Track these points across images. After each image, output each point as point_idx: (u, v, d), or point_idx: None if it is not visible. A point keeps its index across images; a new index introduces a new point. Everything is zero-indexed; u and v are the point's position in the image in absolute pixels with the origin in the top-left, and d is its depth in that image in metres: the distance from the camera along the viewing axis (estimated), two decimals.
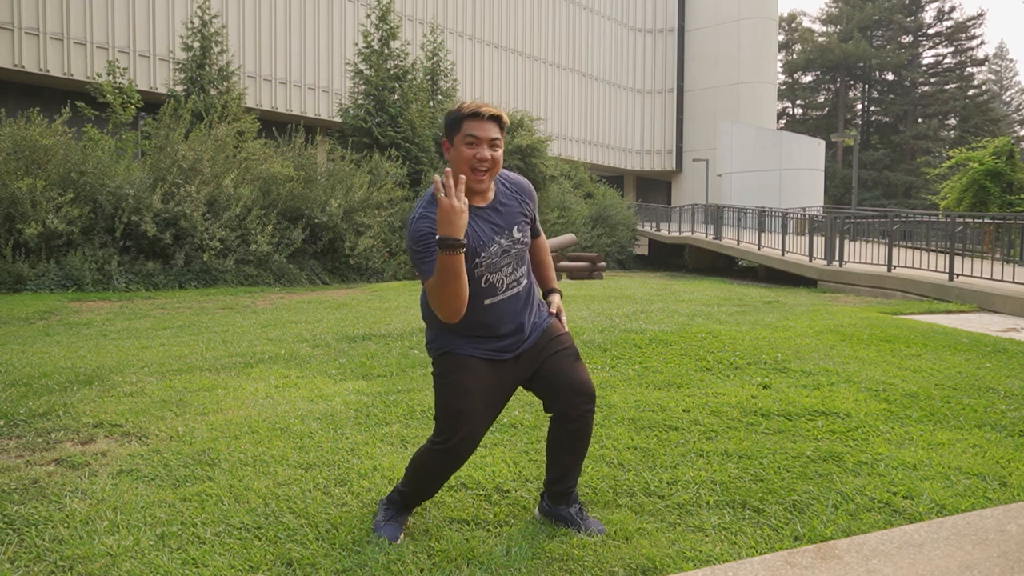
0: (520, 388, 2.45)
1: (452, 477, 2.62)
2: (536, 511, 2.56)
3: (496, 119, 2.20)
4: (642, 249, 30.23)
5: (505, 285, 2.30)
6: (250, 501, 2.67)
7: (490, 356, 2.31)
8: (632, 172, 38.26)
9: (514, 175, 2.41)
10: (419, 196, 2.35)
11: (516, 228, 2.30)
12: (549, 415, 2.42)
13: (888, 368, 4.83)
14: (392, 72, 18.84)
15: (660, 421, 3.63)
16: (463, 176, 2.03)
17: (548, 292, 2.58)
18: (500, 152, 2.21)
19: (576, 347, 2.44)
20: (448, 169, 2.06)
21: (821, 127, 52.96)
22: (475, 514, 2.57)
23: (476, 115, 2.18)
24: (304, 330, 6.92)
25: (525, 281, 2.38)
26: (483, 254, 2.22)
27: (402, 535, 2.41)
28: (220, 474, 2.94)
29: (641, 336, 5.73)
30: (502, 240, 2.26)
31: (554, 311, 2.52)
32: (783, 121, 56.13)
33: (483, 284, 2.25)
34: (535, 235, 2.51)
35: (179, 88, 16.27)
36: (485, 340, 2.31)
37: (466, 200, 2.01)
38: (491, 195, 2.29)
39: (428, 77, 20.19)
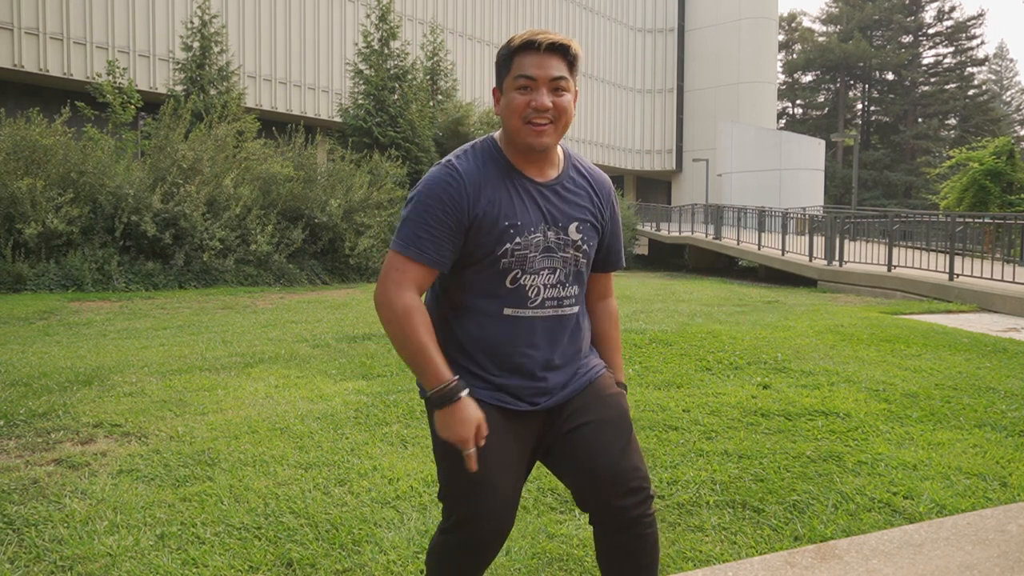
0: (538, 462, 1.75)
1: None
2: None
3: (561, 50, 1.56)
4: (642, 249, 30.21)
5: (541, 298, 1.62)
6: (250, 501, 2.67)
7: (501, 404, 1.63)
8: (632, 172, 38.26)
9: (594, 167, 1.77)
10: (395, 249, 1.81)
11: (576, 227, 1.65)
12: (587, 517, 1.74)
13: (888, 368, 4.83)
14: (392, 72, 18.84)
15: (660, 421, 3.63)
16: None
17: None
18: (568, 97, 1.57)
19: (629, 416, 1.71)
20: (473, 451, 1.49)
21: (821, 127, 52.95)
22: None
23: (530, 45, 1.55)
24: (304, 330, 6.92)
25: (576, 309, 1.69)
26: (518, 239, 1.59)
27: None
28: (220, 474, 2.94)
29: (641, 336, 5.73)
30: (549, 233, 1.62)
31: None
32: (783, 121, 56.12)
33: (509, 284, 1.61)
34: (607, 266, 1.79)
35: (179, 88, 16.27)
36: (489, 373, 1.63)
37: (483, 441, 1.51)
38: (553, 171, 1.66)
39: (428, 77, 20.19)
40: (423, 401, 1.67)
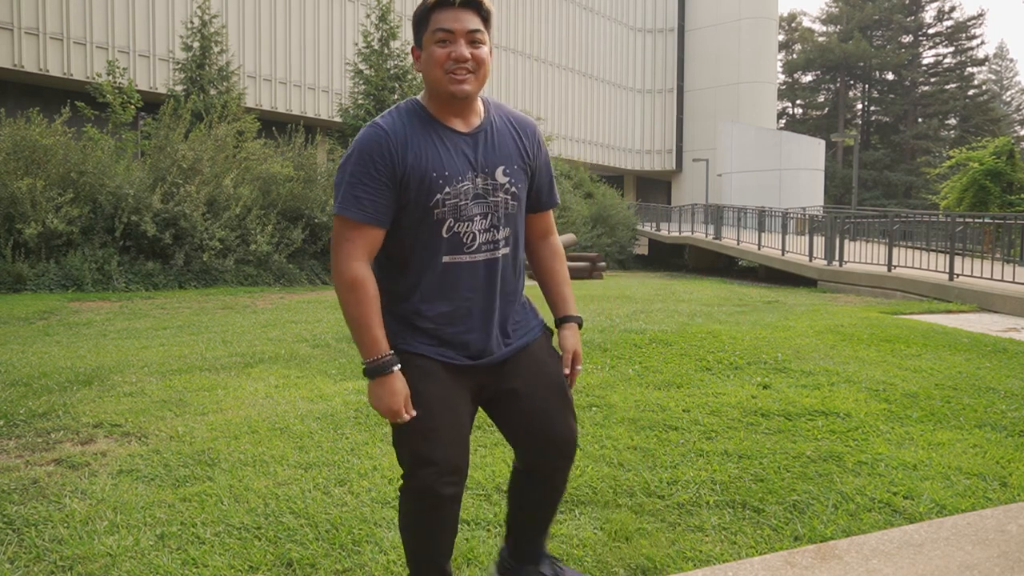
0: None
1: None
2: (493, 568, 2.06)
3: (474, 5, 1.64)
4: (642, 249, 30.21)
5: (476, 243, 1.70)
6: (250, 501, 2.67)
7: (444, 358, 1.72)
8: (632, 172, 38.26)
9: (517, 111, 1.84)
10: (338, 212, 1.82)
11: (503, 170, 1.72)
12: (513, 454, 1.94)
13: (888, 368, 4.83)
14: (392, 72, 18.84)
15: (660, 421, 3.63)
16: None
17: (562, 320, 1.90)
18: (485, 49, 1.65)
19: (562, 375, 1.85)
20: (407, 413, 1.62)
21: (821, 127, 52.95)
22: (475, 514, 2.57)
23: (446, 3, 1.63)
24: (304, 330, 6.92)
25: (508, 251, 1.75)
26: (447, 189, 1.65)
27: None
28: (220, 474, 2.94)
29: (641, 336, 5.73)
30: (477, 180, 1.68)
31: (568, 357, 1.85)
32: (783, 121, 56.13)
33: (444, 233, 1.67)
34: (542, 205, 1.86)
35: (179, 88, 16.27)
36: (434, 325, 1.71)
37: (412, 413, 1.63)
38: (476, 119, 1.72)
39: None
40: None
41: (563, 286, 1.91)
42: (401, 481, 1.74)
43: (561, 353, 1.88)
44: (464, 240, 1.69)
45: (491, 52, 1.69)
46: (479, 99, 1.75)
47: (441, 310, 1.70)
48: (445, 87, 1.64)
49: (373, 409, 1.65)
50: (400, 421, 1.62)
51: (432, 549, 1.76)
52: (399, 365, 1.63)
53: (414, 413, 1.64)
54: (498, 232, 1.73)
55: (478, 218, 1.70)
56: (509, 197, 1.74)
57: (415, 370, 1.69)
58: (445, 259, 1.69)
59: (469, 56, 1.63)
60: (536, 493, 1.90)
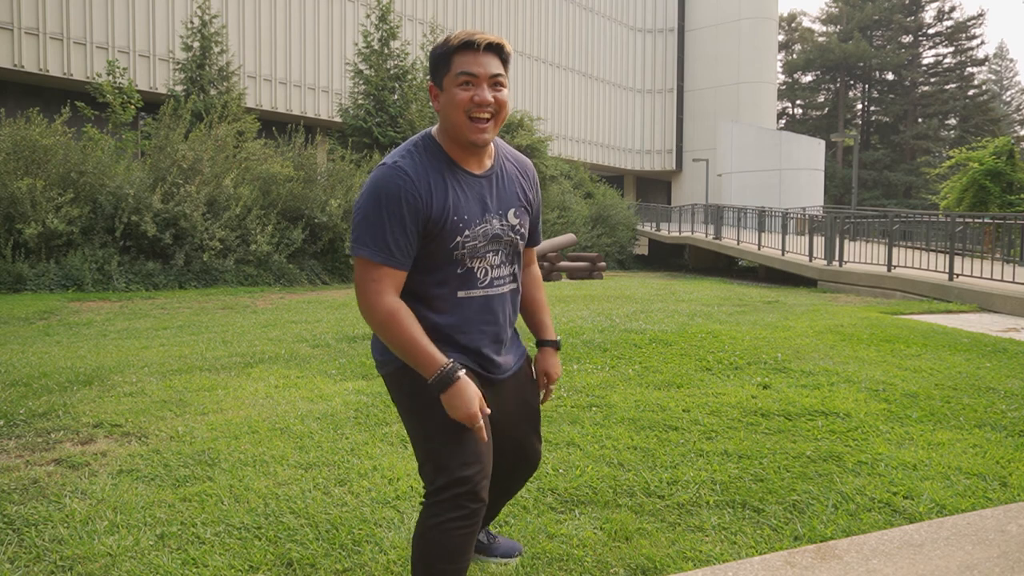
0: None
1: None
2: None
3: (496, 49, 1.67)
4: (642, 249, 30.22)
5: (489, 278, 1.78)
6: (250, 501, 2.67)
7: (476, 370, 1.81)
8: (632, 172, 38.26)
9: (519, 154, 1.92)
10: (363, 255, 1.73)
11: (514, 212, 1.80)
12: None
13: (888, 368, 4.83)
14: (392, 72, 18.84)
15: (660, 421, 3.63)
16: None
17: (542, 343, 2.03)
18: (505, 93, 1.69)
19: (535, 401, 2.02)
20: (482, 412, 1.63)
21: (821, 127, 52.94)
22: None
23: (469, 45, 1.64)
24: (304, 330, 6.92)
25: (514, 286, 1.87)
26: (467, 232, 1.71)
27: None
28: (220, 474, 2.94)
29: (641, 336, 5.73)
30: (494, 221, 1.76)
31: (542, 380, 2.00)
32: (783, 121, 56.12)
33: (459, 271, 1.74)
34: (531, 242, 1.96)
35: (179, 88, 16.27)
36: (458, 347, 1.78)
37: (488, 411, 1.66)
38: (489, 161, 1.78)
39: (428, 77, 20.13)
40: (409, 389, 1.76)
41: (543, 313, 2.04)
42: (435, 492, 1.68)
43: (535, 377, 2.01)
44: (478, 275, 1.76)
45: (507, 91, 1.72)
46: None
47: (449, 337, 1.75)
48: (466, 135, 1.67)
49: (453, 419, 1.65)
50: (478, 424, 1.62)
51: (461, 565, 1.70)
52: (464, 371, 1.63)
53: (489, 411, 1.67)
54: (506, 268, 1.82)
55: (491, 255, 1.77)
56: (518, 237, 1.82)
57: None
58: (460, 294, 1.75)
59: (492, 100, 1.65)
60: (503, 490, 2.05)
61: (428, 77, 1.76)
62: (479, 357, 1.79)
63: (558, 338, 2.04)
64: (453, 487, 1.66)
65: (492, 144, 1.80)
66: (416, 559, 1.71)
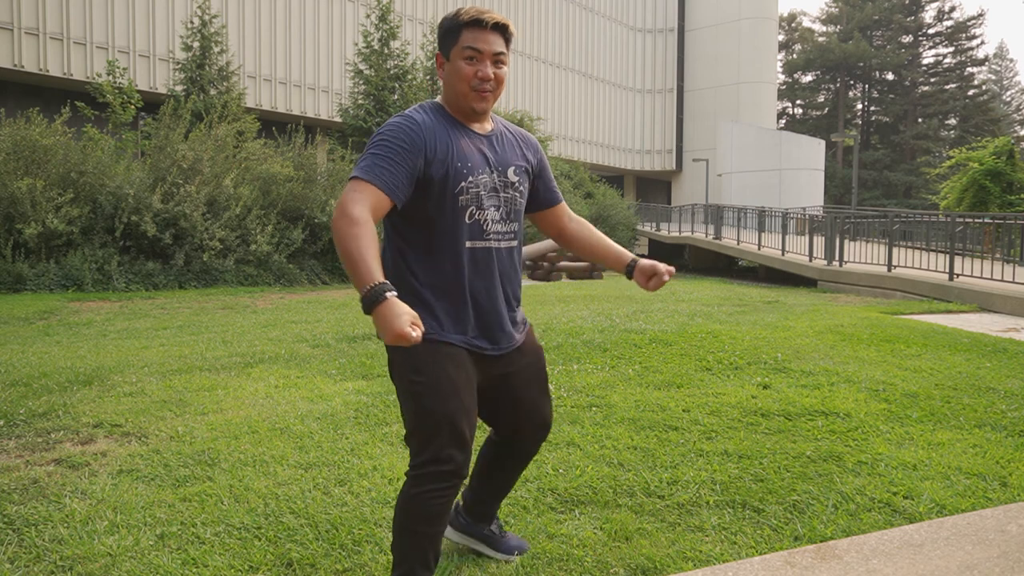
0: None
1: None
2: (448, 529, 2.23)
3: (501, 29, 1.83)
4: (642, 249, 30.23)
5: (491, 231, 1.86)
6: (250, 501, 2.67)
7: (474, 347, 1.87)
8: (632, 172, 38.27)
9: (518, 127, 2.07)
10: (356, 175, 1.85)
11: (513, 170, 1.92)
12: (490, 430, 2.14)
13: (888, 368, 4.83)
14: (392, 72, 18.84)
15: (660, 421, 3.63)
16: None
17: (631, 262, 2.07)
18: (505, 70, 1.85)
19: (543, 371, 2.09)
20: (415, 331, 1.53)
21: (821, 127, 52.94)
22: None
23: (478, 23, 1.80)
24: (304, 330, 6.92)
25: (516, 244, 1.96)
26: (470, 179, 1.82)
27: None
28: (220, 474, 2.94)
29: (641, 336, 5.73)
30: (493, 175, 1.87)
31: (652, 269, 2.01)
32: (783, 121, 56.12)
33: (467, 219, 1.82)
34: (553, 200, 2.09)
35: (179, 88, 16.28)
36: (454, 310, 1.84)
37: (419, 332, 1.55)
38: (489, 126, 1.94)
39: (428, 77, 20.19)
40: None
41: (611, 244, 2.13)
42: (420, 465, 1.78)
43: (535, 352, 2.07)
44: (484, 227, 1.85)
45: (507, 69, 1.89)
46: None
47: (454, 291, 1.84)
48: (468, 103, 1.84)
49: (385, 343, 1.60)
50: (412, 342, 1.52)
51: (434, 537, 1.84)
52: (394, 292, 1.58)
53: (419, 334, 1.54)
54: (506, 224, 1.91)
55: (492, 209, 1.87)
56: (518, 195, 1.94)
57: (446, 357, 1.81)
58: (467, 244, 1.84)
59: (493, 76, 1.82)
60: (510, 461, 2.12)
61: (436, 48, 1.95)
62: (478, 332, 1.86)
63: (636, 257, 2.10)
64: (438, 463, 1.76)
65: (491, 116, 1.96)
66: (397, 521, 1.84)
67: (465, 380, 1.83)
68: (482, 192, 1.84)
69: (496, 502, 2.22)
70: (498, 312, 1.90)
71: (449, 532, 2.24)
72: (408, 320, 1.53)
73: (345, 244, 1.63)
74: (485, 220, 1.85)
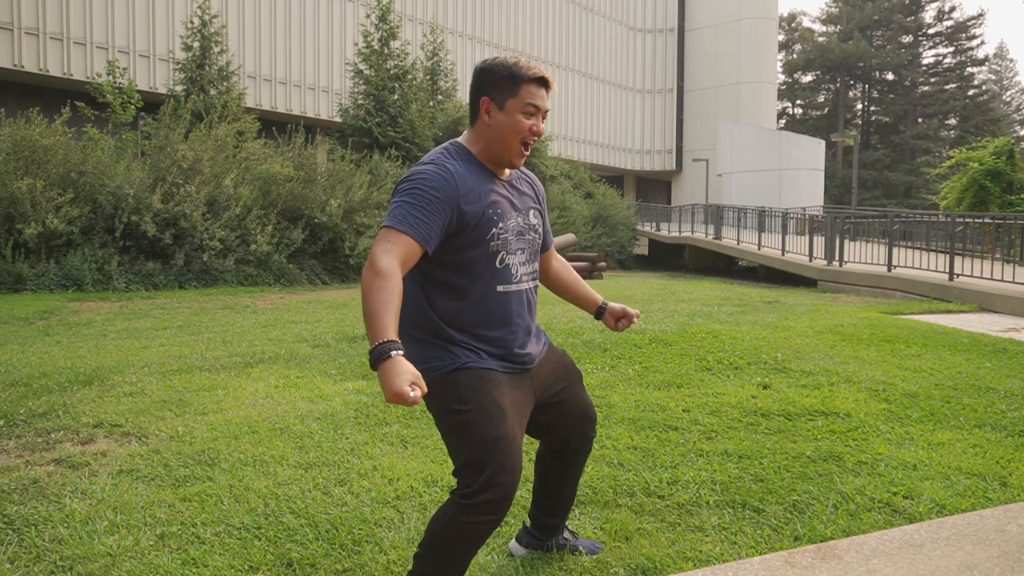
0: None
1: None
2: (514, 545, 2.27)
3: (546, 83, 1.88)
4: (642, 249, 30.21)
5: (520, 274, 1.93)
6: (250, 501, 2.67)
7: (511, 370, 1.91)
8: (632, 172, 38.26)
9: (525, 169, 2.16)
10: (389, 224, 1.82)
11: (532, 213, 2.00)
12: (540, 445, 2.19)
13: (888, 368, 4.83)
14: (392, 72, 18.83)
15: (660, 421, 3.63)
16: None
17: (601, 306, 2.19)
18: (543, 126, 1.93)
19: (576, 369, 2.18)
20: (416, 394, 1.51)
21: (821, 127, 52.94)
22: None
23: (542, 81, 1.85)
24: (304, 330, 6.92)
25: (536, 283, 2.05)
26: (500, 225, 1.86)
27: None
28: (220, 474, 2.94)
29: (641, 336, 5.73)
30: (519, 219, 1.93)
31: (620, 312, 2.16)
32: (783, 121, 56.11)
33: (498, 264, 1.87)
34: (546, 245, 2.16)
35: (179, 88, 16.27)
36: (496, 346, 1.89)
37: (418, 393, 1.53)
38: (507, 172, 1.99)
39: (428, 77, 20.18)
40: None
41: (585, 286, 2.23)
42: (471, 495, 1.73)
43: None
44: (512, 271, 1.91)
45: None
46: None
47: (498, 333, 1.88)
48: (510, 156, 1.89)
49: (389, 403, 1.63)
50: (409, 402, 1.50)
51: (468, 561, 1.84)
52: (400, 352, 1.56)
53: (418, 394, 1.52)
54: (530, 265, 1.99)
55: (519, 252, 1.93)
56: (537, 236, 2.01)
57: (487, 382, 1.82)
58: (499, 288, 1.89)
59: (541, 131, 1.89)
60: (573, 469, 2.15)
61: (478, 91, 1.88)
62: (512, 353, 1.91)
63: (605, 302, 2.21)
64: (490, 491, 1.72)
65: None
66: (434, 543, 1.80)
67: (511, 404, 1.84)
68: (510, 237, 1.89)
69: (563, 512, 2.23)
70: (524, 339, 1.95)
71: (516, 548, 2.26)
72: (408, 380, 1.52)
73: (366, 296, 1.64)
74: (513, 264, 1.91)
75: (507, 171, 1.96)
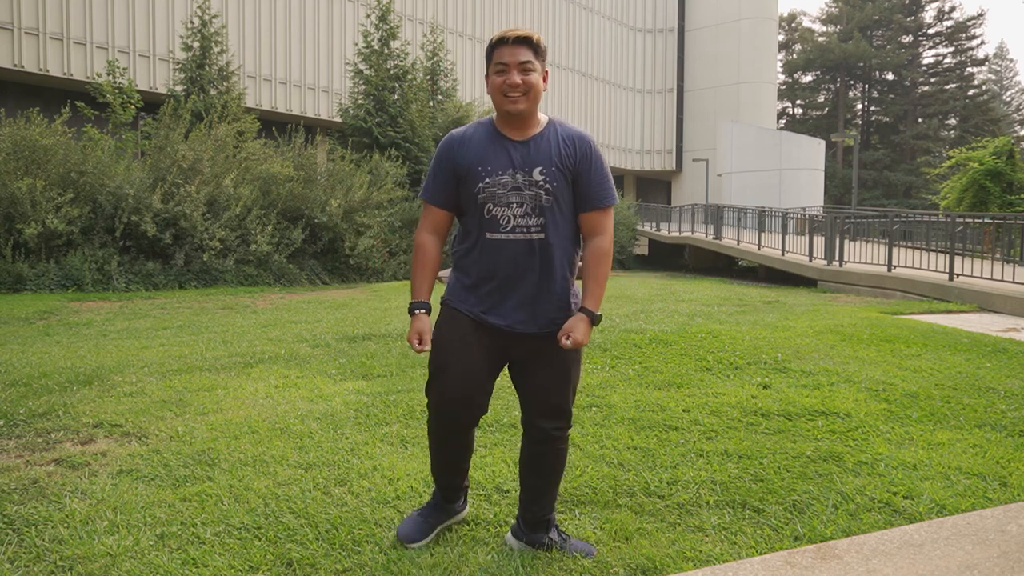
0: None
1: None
2: (508, 536, 2.35)
3: (525, 41, 2.09)
4: (642, 249, 30.21)
5: (511, 224, 2.13)
6: (250, 501, 2.67)
7: (478, 317, 2.17)
8: (632, 172, 38.26)
9: (576, 128, 2.23)
10: (419, 196, 2.24)
11: (539, 170, 2.12)
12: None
13: (888, 368, 4.83)
14: (392, 72, 18.83)
15: (660, 421, 3.63)
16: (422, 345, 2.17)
17: (579, 309, 2.20)
18: (535, 76, 2.10)
19: (572, 365, 2.21)
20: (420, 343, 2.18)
21: (821, 127, 52.92)
22: (475, 514, 2.57)
23: (503, 41, 2.10)
24: (304, 330, 6.92)
25: (541, 236, 2.14)
26: (487, 180, 2.12)
27: (423, 539, 2.33)
28: (220, 474, 2.94)
29: (641, 336, 5.73)
30: (519, 176, 2.12)
31: (561, 333, 2.12)
32: (783, 121, 56.10)
33: (485, 214, 2.15)
34: (583, 207, 2.18)
35: (179, 88, 16.27)
36: (479, 288, 2.17)
37: (419, 346, 2.18)
38: (532, 131, 2.16)
39: (428, 77, 20.18)
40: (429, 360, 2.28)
41: (591, 281, 2.21)
42: (427, 404, 2.27)
43: (575, 348, 2.17)
44: (500, 221, 2.14)
45: (546, 76, 2.16)
46: (543, 118, 2.20)
47: (482, 273, 2.19)
48: (502, 107, 2.13)
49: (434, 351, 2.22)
50: (414, 350, 2.18)
51: (440, 456, 2.32)
52: (422, 310, 2.21)
53: (421, 348, 2.17)
54: (531, 219, 2.14)
55: (515, 206, 2.14)
56: (543, 192, 2.14)
57: (448, 320, 2.23)
58: (488, 235, 2.16)
59: (520, 82, 2.09)
60: (533, 461, 2.28)
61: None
62: (497, 300, 2.17)
63: (597, 313, 2.18)
64: (431, 403, 2.23)
65: (543, 120, 2.20)
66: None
67: (458, 339, 2.18)
68: (501, 191, 2.13)
69: (539, 507, 2.29)
70: (518, 293, 2.16)
71: (510, 540, 2.34)
72: (414, 334, 2.18)
73: (412, 264, 2.28)
74: (504, 216, 2.13)
75: (532, 131, 2.16)
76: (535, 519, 2.29)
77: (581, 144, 2.17)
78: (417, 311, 2.19)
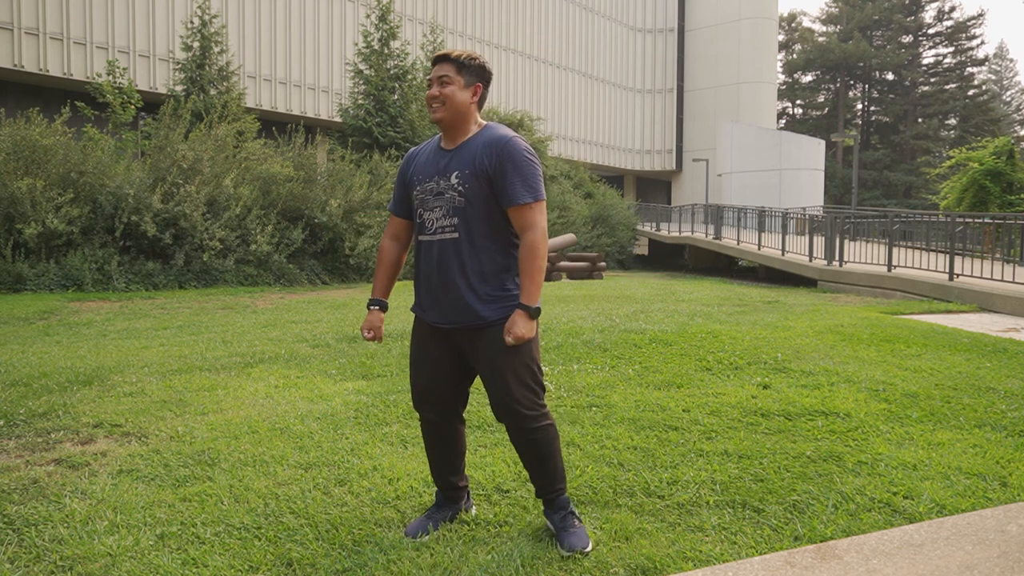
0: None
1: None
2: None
3: (444, 58, 2.31)
4: (642, 249, 30.20)
5: (434, 227, 2.32)
6: (250, 501, 2.67)
7: (425, 317, 2.40)
8: (632, 172, 38.25)
9: (501, 132, 2.30)
10: None
11: (455, 174, 2.29)
12: None
13: (888, 368, 4.83)
14: (392, 72, 18.82)
15: (660, 421, 3.63)
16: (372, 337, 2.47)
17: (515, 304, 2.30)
18: (451, 88, 2.28)
19: (509, 360, 2.23)
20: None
21: (821, 127, 52.91)
22: (475, 514, 2.57)
23: (433, 61, 2.35)
24: (304, 330, 6.92)
25: (457, 235, 2.27)
26: (418, 187, 2.37)
27: (424, 534, 2.39)
28: (220, 474, 2.94)
29: (641, 336, 5.73)
30: (441, 182, 2.31)
31: (515, 338, 2.18)
32: (783, 121, 56.09)
33: (418, 219, 2.39)
34: (503, 202, 2.25)
35: (179, 88, 16.26)
36: (420, 289, 2.40)
37: (369, 336, 2.46)
38: (462, 139, 2.34)
39: (427, 77, 20.17)
40: None
41: (523, 275, 2.25)
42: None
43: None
44: (426, 224, 2.35)
45: (476, 89, 2.32)
46: (479, 125, 2.35)
47: (420, 274, 2.40)
48: (430, 117, 2.35)
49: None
50: (364, 339, 2.46)
51: (431, 455, 2.51)
52: (377, 307, 2.48)
53: (369, 337, 2.46)
54: (446, 219, 2.31)
55: (437, 209, 2.33)
56: (457, 195, 2.29)
57: (414, 327, 2.48)
58: (420, 237, 2.39)
59: (437, 94, 2.30)
60: (516, 447, 2.39)
61: (435, 51, 2.37)
62: (432, 300, 2.35)
63: (534, 304, 2.22)
64: (413, 401, 2.50)
65: (476, 129, 2.34)
66: None
67: (417, 343, 2.44)
68: (428, 197, 2.34)
69: (535, 484, 2.41)
70: (448, 291, 2.30)
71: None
72: (366, 326, 2.46)
73: (376, 264, 2.54)
74: (429, 219, 2.34)
75: (459, 141, 2.33)
76: (541, 497, 2.43)
77: (499, 146, 2.26)
78: (371, 307, 2.46)
